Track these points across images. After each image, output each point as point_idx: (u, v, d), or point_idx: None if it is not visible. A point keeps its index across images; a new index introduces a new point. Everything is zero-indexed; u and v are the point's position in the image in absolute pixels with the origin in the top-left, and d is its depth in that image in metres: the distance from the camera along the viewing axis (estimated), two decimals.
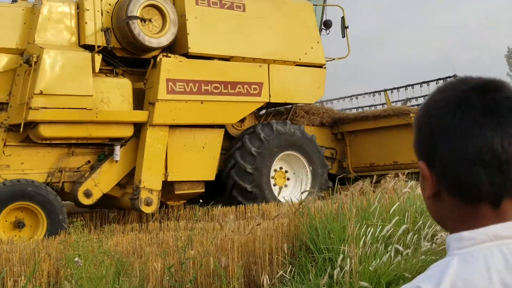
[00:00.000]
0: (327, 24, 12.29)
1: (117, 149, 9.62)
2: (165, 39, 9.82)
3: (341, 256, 5.18)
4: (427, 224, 6.20)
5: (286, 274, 5.40)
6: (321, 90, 11.95)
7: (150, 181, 9.65)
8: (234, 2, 10.64)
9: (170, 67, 9.88)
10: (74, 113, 9.01)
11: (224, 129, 10.93)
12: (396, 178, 7.92)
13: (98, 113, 9.22)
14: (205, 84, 10.16)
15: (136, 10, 9.46)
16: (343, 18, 12.18)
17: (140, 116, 9.73)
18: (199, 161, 10.35)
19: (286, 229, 6.16)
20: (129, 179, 9.93)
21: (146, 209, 9.53)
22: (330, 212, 6.24)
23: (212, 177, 10.53)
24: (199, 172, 10.41)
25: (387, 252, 5.53)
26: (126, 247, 6.58)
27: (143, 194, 9.52)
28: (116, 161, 9.62)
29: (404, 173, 8.02)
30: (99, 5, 9.52)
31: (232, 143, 10.95)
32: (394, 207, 6.33)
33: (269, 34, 11.00)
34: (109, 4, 9.68)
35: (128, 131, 9.69)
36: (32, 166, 9.21)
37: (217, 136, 10.69)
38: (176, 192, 10.27)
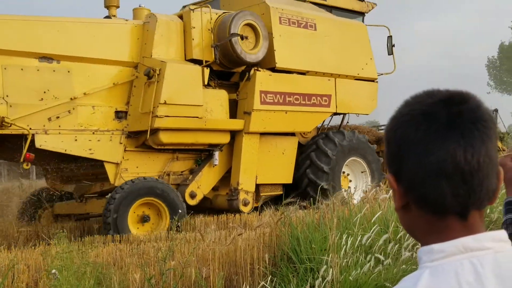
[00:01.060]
0: None
1: (216, 154, 10.78)
2: (259, 54, 10.93)
3: (324, 266, 5.18)
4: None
5: (267, 284, 5.38)
6: (375, 102, 13.14)
7: (246, 183, 10.84)
8: (307, 22, 11.86)
9: (262, 80, 11.03)
10: (188, 121, 10.09)
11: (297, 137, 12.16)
12: (378, 187, 7.95)
13: (206, 121, 10.31)
14: (288, 95, 11.39)
15: (237, 28, 10.51)
16: (390, 37, 13.33)
17: (238, 124, 10.88)
18: (280, 166, 11.63)
19: (268, 239, 6.15)
20: (220, 182, 11.06)
21: (244, 209, 10.62)
22: (311, 221, 6.25)
23: (290, 180, 11.72)
24: (280, 176, 11.67)
25: (368, 262, 5.54)
26: (106, 258, 6.53)
27: (242, 195, 10.69)
28: (215, 165, 10.76)
29: (385, 183, 8.09)
30: (205, 23, 10.56)
31: (306, 146, 12.07)
32: (375, 216, 6.35)
33: (334, 51, 12.23)
34: (210, 23, 10.68)
35: (226, 138, 10.83)
36: (145, 169, 10.24)
37: (293, 143, 11.96)
38: (261, 194, 11.44)
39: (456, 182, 1.11)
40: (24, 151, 8.83)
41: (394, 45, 13.32)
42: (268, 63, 11.21)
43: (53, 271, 4.38)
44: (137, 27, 10.33)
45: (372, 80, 13.01)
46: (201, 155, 10.94)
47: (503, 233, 1.15)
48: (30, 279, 5.66)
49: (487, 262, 1.10)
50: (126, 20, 10.57)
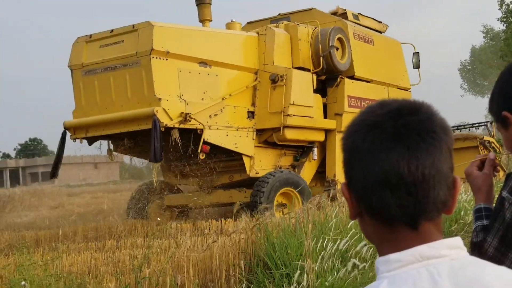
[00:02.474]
0: None
1: (315, 150, 12.39)
2: (346, 64, 12.72)
3: (298, 272, 5.17)
4: None
5: None
6: None
7: (340, 176, 12.35)
8: (369, 38, 13.93)
9: (348, 87, 12.88)
10: (305, 120, 11.75)
11: None
12: None
13: (315, 121, 12.03)
14: (363, 100, 13.19)
15: (334, 41, 12.30)
16: (417, 53, 15.17)
17: (333, 124, 12.59)
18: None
19: (244, 245, 6.13)
20: None
21: (340, 197, 11.89)
22: (287, 227, 6.25)
23: None
24: None
25: (344, 267, 5.55)
26: (81, 267, 6.46)
27: (338, 186, 12.10)
28: (314, 159, 12.38)
29: None
30: (309, 35, 12.29)
31: None
32: (351, 222, 6.37)
33: (385, 63, 14.29)
34: (307, 35, 12.35)
35: (322, 136, 12.53)
36: (265, 163, 11.71)
37: None
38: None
39: (400, 193, 1.11)
40: (201, 143, 10.19)
41: (419, 60, 15.20)
42: (348, 72, 12.96)
43: (22, 283, 4.32)
44: (254, 38, 11.91)
45: (407, 90, 15.14)
46: (298, 152, 12.51)
47: (458, 240, 1.16)
48: None
49: (443, 269, 1.10)
50: (248, 32, 12.14)
